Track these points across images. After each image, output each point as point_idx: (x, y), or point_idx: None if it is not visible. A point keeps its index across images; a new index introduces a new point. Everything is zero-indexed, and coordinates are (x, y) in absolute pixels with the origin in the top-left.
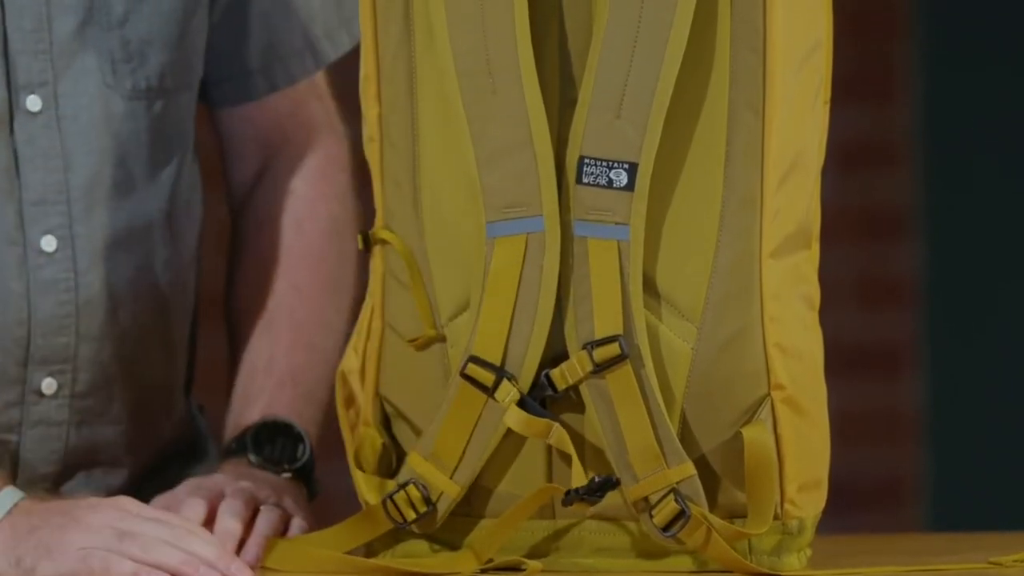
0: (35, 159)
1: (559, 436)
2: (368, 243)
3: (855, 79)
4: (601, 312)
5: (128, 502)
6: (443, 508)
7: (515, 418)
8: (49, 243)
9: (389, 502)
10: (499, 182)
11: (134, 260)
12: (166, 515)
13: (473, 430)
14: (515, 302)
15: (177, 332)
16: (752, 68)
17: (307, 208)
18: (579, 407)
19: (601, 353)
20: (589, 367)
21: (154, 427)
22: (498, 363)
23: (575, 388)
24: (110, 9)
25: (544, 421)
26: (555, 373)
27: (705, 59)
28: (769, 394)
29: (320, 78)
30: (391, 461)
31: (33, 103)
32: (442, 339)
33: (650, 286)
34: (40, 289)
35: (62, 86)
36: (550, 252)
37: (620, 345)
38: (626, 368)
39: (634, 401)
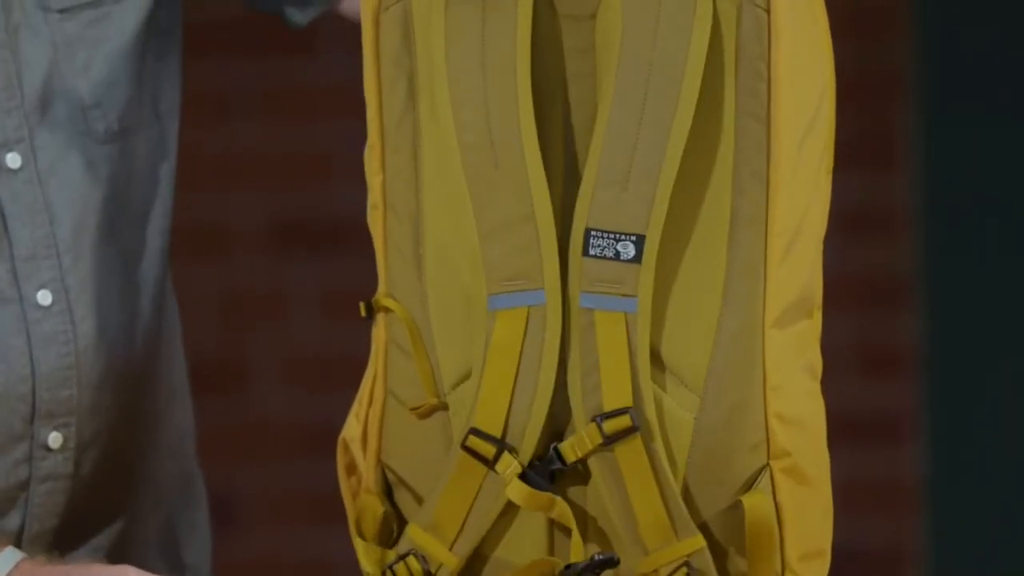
0: (21, 215)
1: (561, 510)
2: (371, 311)
3: (856, 146)
4: (609, 384)
5: (132, 571)
6: None
7: (517, 491)
8: (45, 297)
9: (388, 572)
10: (501, 255)
11: (127, 303)
12: None
13: (473, 502)
14: (516, 375)
15: (176, 373)
16: (757, 139)
17: None
18: (584, 479)
19: (611, 425)
20: (599, 440)
21: (154, 471)
22: (499, 435)
23: (583, 460)
24: (73, 56)
25: (547, 495)
26: (564, 446)
27: (710, 129)
28: (769, 463)
29: None
30: (392, 530)
31: (13, 160)
32: (444, 407)
33: (654, 356)
34: (41, 344)
35: (38, 139)
36: (551, 326)
37: (631, 417)
38: (636, 440)
39: (644, 473)
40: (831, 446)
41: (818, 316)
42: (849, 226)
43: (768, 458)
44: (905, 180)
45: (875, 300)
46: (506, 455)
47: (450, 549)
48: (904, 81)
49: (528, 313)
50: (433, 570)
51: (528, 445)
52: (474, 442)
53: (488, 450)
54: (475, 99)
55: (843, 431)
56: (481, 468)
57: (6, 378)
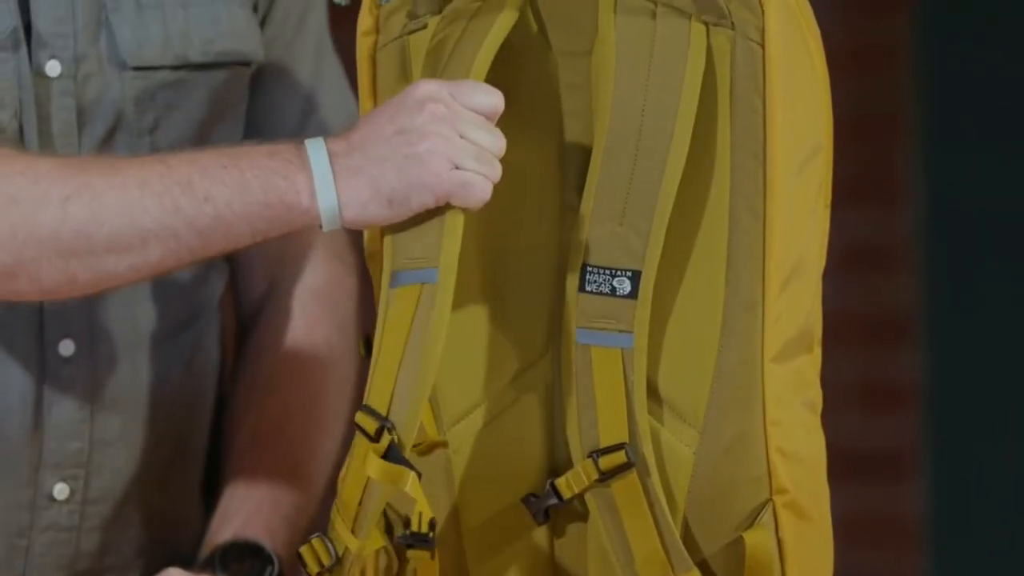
0: None
1: (414, 484)
2: (369, 348)
3: (858, 182)
4: (605, 420)
5: (175, 572)
6: (347, 563)
7: (373, 466)
8: (67, 347)
9: (298, 555)
10: (408, 236)
11: (153, 364)
12: None
13: (367, 482)
14: (403, 352)
15: (196, 437)
16: (753, 173)
17: (305, 333)
18: (583, 516)
19: (607, 461)
20: (595, 475)
21: (165, 532)
22: (384, 412)
23: (580, 497)
24: (141, 117)
25: (400, 468)
26: (560, 482)
27: (706, 165)
28: (771, 498)
29: None
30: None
31: None
32: (444, 444)
33: (652, 390)
34: (56, 393)
35: None
36: (439, 306)
37: (626, 453)
38: (632, 476)
39: (640, 509)
40: (833, 481)
41: (818, 351)
42: (851, 262)
43: (770, 493)
44: (907, 216)
45: (877, 336)
46: (385, 433)
47: (352, 531)
48: (906, 118)
49: (420, 291)
50: (339, 552)
51: (409, 422)
52: (362, 419)
53: (372, 426)
54: None
55: (845, 467)
56: (368, 445)
57: (18, 420)
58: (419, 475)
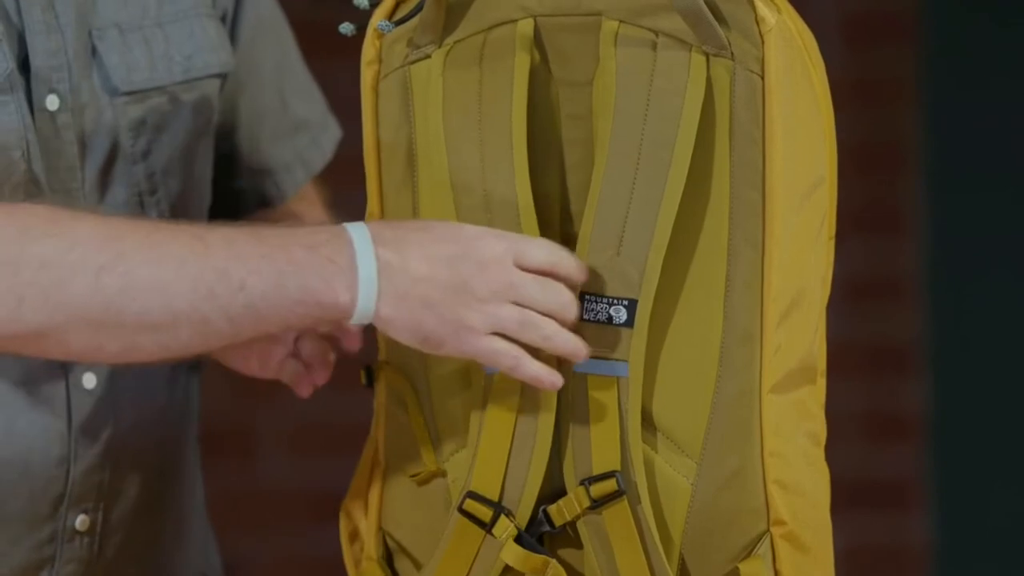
0: None
1: (555, 572)
2: (371, 378)
3: (863, 213)
4: (599, 448)
5: None
6: None
7: (512, 554)
8: (90, 380)
9: None
10: None
11: (168, 392)
12: None
13: (471, 565)
14: (512, 438)
15: (191, 456)
16: (752, 205)
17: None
18: (577, 543)
19: (598, 489)
20: (586, 503)
21: (170, 554)
22: (496, 499)
23: (573, 524)
24: (135, 143)
25: (541, 557)
26: (553, 509)
27: (704, 196)
28: (769, 530)
29: (308, 186)
30: None
31: None
32: (443, 474)
33: (649, 420)
34: (80, 427)
35: None
36: (546, 395)
37: (617, 481)
38: (623, 504)
39: (630, 537)
40: (837, 512)
41: (822, 382)
42: (856, 293)
43: (768, 525)
44: (912, 248)
45: (882, 367)
46: (503, 519)
47: None
48: (911, 149)
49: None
50: None
51: (525, 509)
52: (471, 505)
53: (485, 513)
54: (472, 164)
55: (850, 498)
56: (479, 532)
57: (42, 457)
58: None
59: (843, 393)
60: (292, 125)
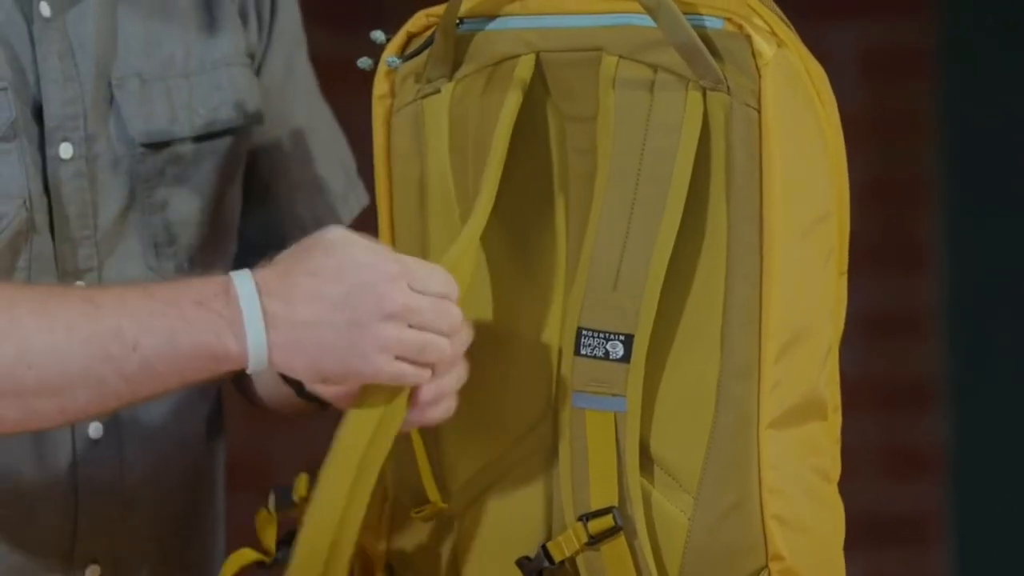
0: None
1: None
2: None
3: (881, 248)
4: (597, 483)
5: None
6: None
7: None
8: (96, 429)
9: None
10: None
11: (177, 439)
12: None
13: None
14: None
15: (212, 503)
16: (749, 239)
17: None
18: None
19: (596, 525)
20: (584, 539)
21: None
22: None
23: (572, 560)
24: (152, 193)
25: None
26: (552, 545)
27: (701, 230)
28: (767, 566)
29: None
30: None
31: None
32: (447, 509)
33: (646, 454)
34: (87, 476)
35: (107, 271)
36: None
37: (614, 517)
38: (620, 540)
39: (627, 573)
40: (856, 548)
41: (835, 418)
42: (875, 328)
43: (766, 560)
44: (931, 282)
45: (901, 402)
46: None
47: None
48: (929, 184)
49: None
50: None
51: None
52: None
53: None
54: (469, 194)
55: (868, 533)
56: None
57: (52, 509)
58: None
59: (863, 428)
60: (315, 186)
